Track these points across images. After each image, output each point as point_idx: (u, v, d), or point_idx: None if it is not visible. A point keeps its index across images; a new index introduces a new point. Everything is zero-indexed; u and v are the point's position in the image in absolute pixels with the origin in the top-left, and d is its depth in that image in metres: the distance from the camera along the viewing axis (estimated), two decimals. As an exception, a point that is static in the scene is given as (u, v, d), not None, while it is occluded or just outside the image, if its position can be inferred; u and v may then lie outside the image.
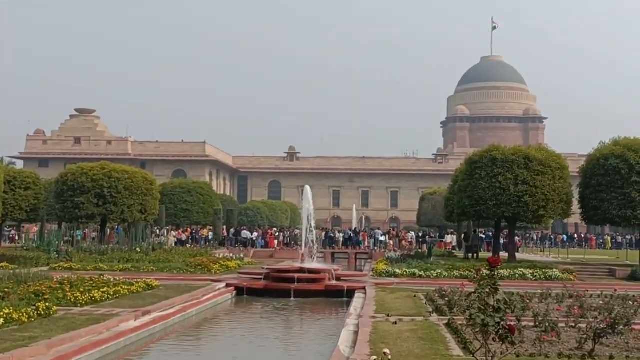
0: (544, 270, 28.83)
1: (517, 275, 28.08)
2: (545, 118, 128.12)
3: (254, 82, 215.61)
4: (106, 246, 36.92)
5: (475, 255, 38.96)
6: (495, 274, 6.46)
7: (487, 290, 6.31)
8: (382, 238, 54.28)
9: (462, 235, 43.94)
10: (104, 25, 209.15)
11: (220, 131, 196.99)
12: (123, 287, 19.39)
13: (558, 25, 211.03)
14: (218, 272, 29.12)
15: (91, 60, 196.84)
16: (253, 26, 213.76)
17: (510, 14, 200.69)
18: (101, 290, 18.07)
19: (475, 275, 6.39)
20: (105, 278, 20.89)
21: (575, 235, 72.43)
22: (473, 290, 6.48)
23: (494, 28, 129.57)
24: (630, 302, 16.87)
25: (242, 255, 39.23)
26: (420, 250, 43.90)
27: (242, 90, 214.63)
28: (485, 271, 6.42)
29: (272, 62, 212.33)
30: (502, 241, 44.63)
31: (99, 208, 38.77)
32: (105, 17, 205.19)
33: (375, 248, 51.06)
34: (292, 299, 23.08)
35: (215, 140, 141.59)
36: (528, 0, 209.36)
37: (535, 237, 69.37)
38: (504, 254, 37.92)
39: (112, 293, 18.23)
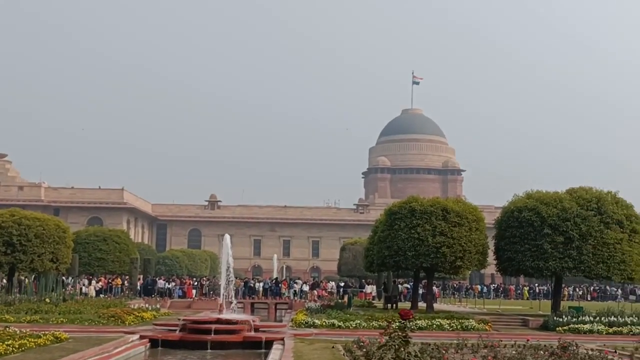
0: (460, 321, 29.16)
1: (434, 325, 28.29)
2: (464, 170, 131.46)
3: (174, 128, 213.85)
4: (13, 297, 35.29)
5: (394, 305, 39.12)
6: (407, 325, 6.43)
7: (399, 342, 6.26)
8: (305, 288, 54.02)
9: (382, 286, 44.14)
10: (11, 64, 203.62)
11: (140, 178, 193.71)
12: (29, 339, 18.48)
13: (476, 80, 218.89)
14: (132, 323, 28.20)
15: (1, 101, 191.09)
16: (171, 72, 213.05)
17: (430, 69, 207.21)
18: (6, 343, 17.16)
19: (387, 327, 6.33)
20: (10, 330, 19.88)
21: (493, 286, 73.92)
22: (383, 343, 6.43)
23: (415, 82, 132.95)
24: (541, 352, 17.16)
25: (158, 306, 38.17)
26: (340, 301, 43.81)
27: (162, 136, 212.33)
28: (397, 323, 6.38)
29: (192, 108, 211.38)
30: (421, 291, 45.03)
31: (7, 256, 37.24)
32: (15, 54, 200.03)
33: (295, 298, 50.69)
34: (209, 350, 22.50)
35: (133, 187, 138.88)
36: (447, 56, 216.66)
37: (453, 288, 70.37)
38: (423, 305, 38.21)
39: (17, 346, 17.34)
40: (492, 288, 72.04)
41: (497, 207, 78.70)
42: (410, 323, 25.96)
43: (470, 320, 29.64)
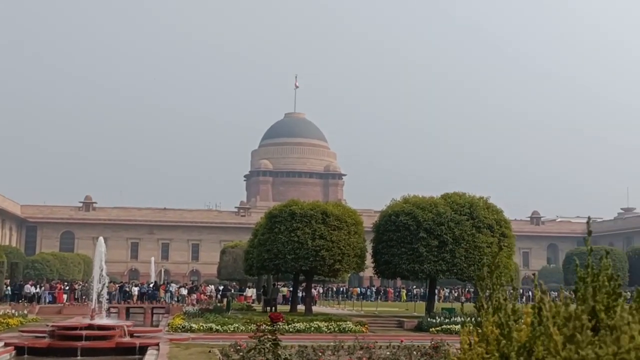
0: (338, 323, 29.48)
1: (312, 328, 28.45)
2: (344, 175, 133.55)
3: (46, 124, 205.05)
4: None
5: (273, 308, 39.01)
6: (277, 328, 6.33)
7: (268, 345, 6.15)
8: (183, 291, 53.00)
9: (262, 289, 43.99)
10: None
11: (7, 178, 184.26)
12: None
13: (359, 87, 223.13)
14: (-4, 330, 26.66)
15: None
16: (42, 65, 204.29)
17: (314, 73, 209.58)
18: None
19: (256, 331, 6.21)
20: None
21: (374, 288, 75.33)
22: (253, 346, 6.31)
23: (296, 87, 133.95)
24: (414, 352, 17.55)
25: (25, 312, 36.31)
26: (219, 304, 43.27)
27: (33, 133, 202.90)
28: (266, 326, 6.27)
29: (65, 102, 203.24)
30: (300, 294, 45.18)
31: None
32: None
33: (173, 302, 49.64)
34: (79, 357, 21.61)
35: (0, 187, 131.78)
36: (331, 61, 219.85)
37: (333, 290, 71.16)
38: (303, 307, 38.36)
39: None
40: (374, 290, 73.40)
41: (376, 211, 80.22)
42: (289, 326, 25.82)
43: (348, 322, 30.03)
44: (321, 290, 68.15)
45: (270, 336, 6.25)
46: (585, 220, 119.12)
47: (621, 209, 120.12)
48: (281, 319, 6.21)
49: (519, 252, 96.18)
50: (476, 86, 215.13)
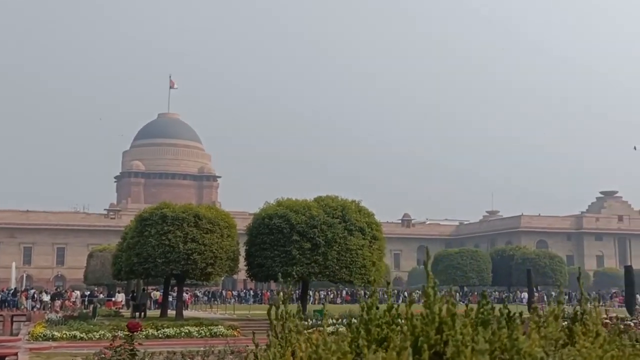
0: (209, 327, 29.03)
1: (183, 333, 27.85)
2: (219, 177, 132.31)
3: None
4: None
5: (142, 314, 37.92)
6: (134, 337, 6.01)
7: (125, 356, 5.82)
8: (45, 298, 50.55)
9: (131, 294, 42.69)
10: None
11: None
12: None
13: (235, 87, 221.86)
14: None
15: None
16: None
17: (189, 73, 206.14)
18: None
19: (112, 341, 5.86)
20: None
21: (252, 291, 75.06)
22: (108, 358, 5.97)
23: (171, 87, 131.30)
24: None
25: None
26: (85, 311, 41.55)
27: None
28: (123, 335, 5.94)
29: None
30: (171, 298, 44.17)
31: None
32: None
33: (35, 309, 47.24)
34: None
35: None
36: (207, 63, 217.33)
37: (205, 294, 70.30)
38: (174, 312, 37.49)
39: None
40: (251, 293, 73.23)
41: (251, 214, 79.88)
42: (158, 331, 25.05)
43: (219, 326, 29.63)
44: (200, 294, 67.32)
45: (127, 346, 5.91)
46: (453, 223, 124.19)
47: (486, 212, 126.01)
48: (139, 328, 5.90)
49: (390, 254, 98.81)
50: (356, 86, 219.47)
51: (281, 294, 2.65)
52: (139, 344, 6.66)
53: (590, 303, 2.40)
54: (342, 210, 34.31)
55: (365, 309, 2.27)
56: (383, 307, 2.33)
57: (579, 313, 2.19)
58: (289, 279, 34.06)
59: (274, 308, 2.70)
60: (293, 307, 2.82)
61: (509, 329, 1.95)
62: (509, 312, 2.16)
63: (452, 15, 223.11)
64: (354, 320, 2.68)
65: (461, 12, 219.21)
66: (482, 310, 2.07)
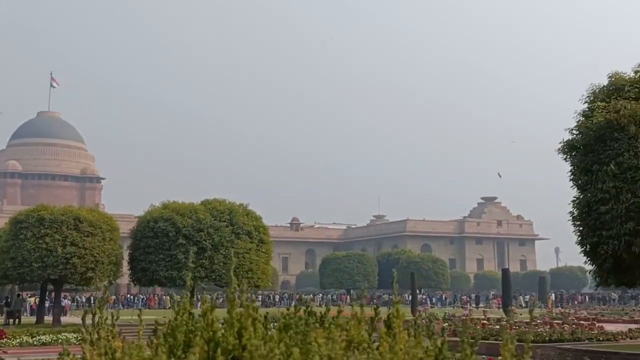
0: (89, 335, 27.83)
1: (60, 340, 26.57)
2: (103, 178, 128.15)
3: None
4: None
5: (17, 321, 36.03)
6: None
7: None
8: None
9: (4, 300, 40.51)
10: None
11: None
12: None
13: (121, 88, 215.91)
14: None
15: None
16: None
17: (72, 71, 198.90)
18: None
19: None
20: None
21: (142, 296, 73.28)
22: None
23: (52, 86, 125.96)
24: None
25: None
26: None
27: None
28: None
29: None
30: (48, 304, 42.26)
31: None
32: None
33: None
34: None
35: None
36: (89, 61, 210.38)
37: (86, 299, 68.04)
38: (51, 318, 35.85)
39: None
40: (141, 298, 71.66)
41: (136, 217, 77.89)
42: (33, 339, 23.77)
43: (100, 332, 28.45)
44: (83, 299, 65.33)
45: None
46: (341, 227, 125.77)
47: (373, 216, 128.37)
48: (3, 336, 5.38)
49: (278, 257, 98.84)
50: (245, 86, 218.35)
51: (97, 300, 2.50)
52: (4, 352, 6.07)
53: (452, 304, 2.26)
54: (230, 213, 33.89)
55: (174, 314, 2.24)
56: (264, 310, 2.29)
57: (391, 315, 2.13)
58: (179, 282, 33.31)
59: (89, 314, 2.61)
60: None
61: (305, 333, 1.96)
62: (322, 315, 2.20)
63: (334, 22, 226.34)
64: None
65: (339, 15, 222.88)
66: (286, 315, 2.09)
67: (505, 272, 50.28)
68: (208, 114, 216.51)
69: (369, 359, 1.88)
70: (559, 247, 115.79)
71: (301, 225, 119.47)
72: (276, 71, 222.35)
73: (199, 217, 32.91)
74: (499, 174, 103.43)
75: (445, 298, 78.91)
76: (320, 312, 2.21)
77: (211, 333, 1.96)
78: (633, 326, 28.06)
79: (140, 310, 2.93)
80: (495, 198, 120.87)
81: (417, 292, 58.34)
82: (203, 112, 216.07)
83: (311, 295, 74.66)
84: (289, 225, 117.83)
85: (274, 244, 41.59)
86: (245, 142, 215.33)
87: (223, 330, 1.94)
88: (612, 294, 75.53)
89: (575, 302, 74.64)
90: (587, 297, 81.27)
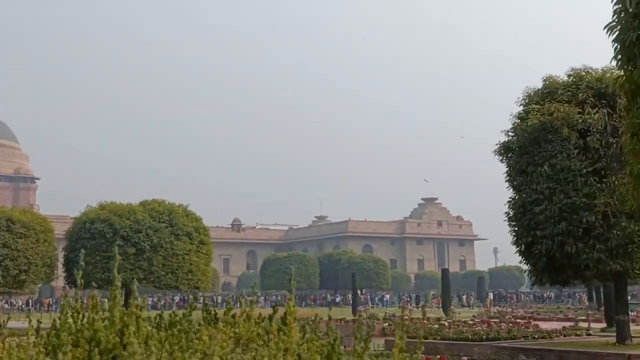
0: (22, 337, 27.06)
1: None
2: (38, 178, 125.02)
3: None
4: None
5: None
6: None
7: None
8: None
9: None
10: None
11: None
12: None
13: (56, 86, 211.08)
14: None
15: None
16: None
17: (5, 68, 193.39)
18: None
19: None
20: None
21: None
22: None
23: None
24: None
25: None
26: None
27: None
28: None
29: None
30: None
31: None
32: None
33: None
34: None
35: None
36: (26, 62, 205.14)
37: (24, 302, 66.46)
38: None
39: None
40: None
41: (72, 218, 76.26)
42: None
43: (32, 337, 27.70)
44: (20, 302, 63.69)
45: None
46: (283, 228, 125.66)
47: (315, 217, 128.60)
48: None
49: (219, 259, 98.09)
50: (186, 86, 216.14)
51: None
52: None
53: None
54: (169, 214, 33.41)
55: (60, 317, 2.24)
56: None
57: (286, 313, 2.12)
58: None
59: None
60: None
61: (187, 331, 1.96)
62: (211, 314, 2.24)
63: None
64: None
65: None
66: (171, 313, 2.08)
67: (445, 272, 50.98)
68: (146, 113, 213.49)
69: (257, 356, 1.84)
70: (498, 247, 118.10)
71: (243, 226, 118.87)
72: (213, 71, 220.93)
73: (137, 218, 32.35)
74: (425, 179, 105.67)
75: (389, 298, 79.65)
76: (215, 311, 2.18)
77: (92, 332, 1.91)
78: (567, 324, 28.70)
79: (29, 312, 2.84)
80: (435, 199, 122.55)
81: (359, 292, 58.65)
82: (141, 111, 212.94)
83: (254, 297, 74.28)
84: (230, 226, 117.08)
85: (215, 245, 41.19)
86: (186, 142, 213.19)
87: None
88: (550, 292, 77.45)
89: (513, 301, 76.24)
90: (522, 295, 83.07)
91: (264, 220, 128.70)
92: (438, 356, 16.58)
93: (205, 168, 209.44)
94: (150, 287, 34.81)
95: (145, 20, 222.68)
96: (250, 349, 1.95)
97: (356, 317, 37.62)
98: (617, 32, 7.51)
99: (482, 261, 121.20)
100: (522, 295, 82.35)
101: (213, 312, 2.15)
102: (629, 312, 24.73)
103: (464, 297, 76.40)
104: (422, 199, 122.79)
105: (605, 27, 7.72)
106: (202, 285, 34.62)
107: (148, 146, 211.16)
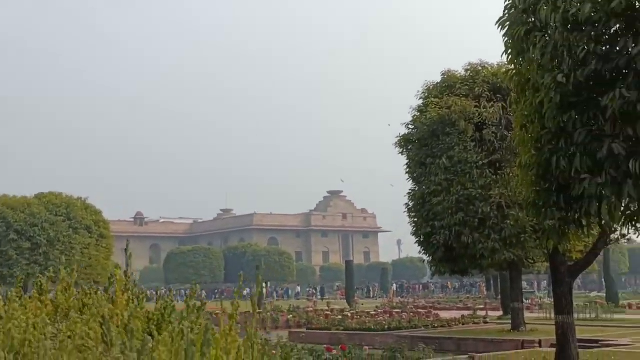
0: None
1: None
2: None
3: None
4: None
5: None
6: None
7: None
8: None
9: None
10: None
11: None
12: None
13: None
14: None
15: None
16: None
17: None
18: None
19: None
20: None
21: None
22: None
23: None
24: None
25: None
26: None
27: None
28: None
29: None
30: None
31: None
32: None
33: None
34: None
35: None
36: None
37: None
38: None
39: None
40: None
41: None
42: None
43: None
44: None
45: None
46: (187, 221, 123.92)
47: (221, 210, 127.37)
48: None
49: (121, 253, 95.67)
50: (74, 78, 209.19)
51: None
52: None
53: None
54: (67, 207, 32.40)
55: None
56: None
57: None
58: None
59: None
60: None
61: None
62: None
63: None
64: None
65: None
66: None
67: (348, 264, 51.62)
68: (40, 103, 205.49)
69: (72, 323, 1.81)
70: (401, 239, 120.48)
71: (146, 219, 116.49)
72: (108, 63, 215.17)
73: (32, 212, 31.20)
74: (341, 179, 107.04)
75: (299, 291, 79.96)
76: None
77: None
78: (466, 313, 29.62)
79: None
80: (340, 192, 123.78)
81: (264, 285, 58.60)
82: (35, 101, 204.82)
83: (160, 291, 72.93)
84: (132, 220, 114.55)
85: (116, 239, 40.17)
86: (86, 134, 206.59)
87: None
88: (455, 283, 79.65)
89: (417, 292, 77.95)
90: (432, 285, 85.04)
91: (168, 214, 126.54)
92: (339, 346, 16.73)
93: (108, 161, 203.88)
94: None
95: None
96: (69, 317, 1.91)
97: (260, 310, 37.63)
98: (507, 27, 7.74)
99: (386, 253, 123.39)
100: (432, 285, 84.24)
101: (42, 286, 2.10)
102: (524, 300, 25.85)
103: (373, 288, 77.61)
104: (328, 192, 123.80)
105: (496, 23, 7.95)
106: (101, 279, 33.73)
107: (44, 138, 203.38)
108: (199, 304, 2.48)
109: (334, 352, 15.57)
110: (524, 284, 61.67)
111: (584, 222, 7.27)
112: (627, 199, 6.57)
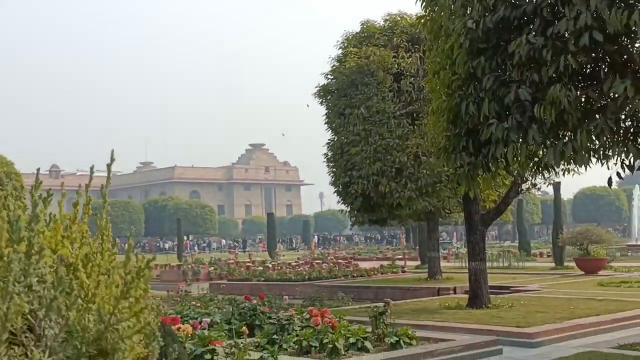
0: None
1: None
2: None
3: None
4: None
5: None
6: None
7: None
8: None
9: None
10: None
11: None
12: None
13: None
14: None
15: None
16: None
17: None
18: None
19: None
20: None
21: None
22: None
23: None
24: None
25: None
26: None
27: None
28: None
29: None
30: None
31: None
32: None
33: None
34: None
35: None
36: None
37: None
38: None
39: None
40: None
41: None
42: None
43: None
44: None
45: None
46: (104, 174, 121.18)
47: (140, 162, 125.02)
48: None
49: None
50: None
51: None
52: None
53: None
54: (-24, 159, 31.01)
55: None
56: None
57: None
58: None
59: None
60: None
61: None
62: None
63: None
64: None
65: None
66: None
67: (270, 216, 51.75)
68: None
69: None
70: (323, 192, 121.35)
71: (62, 172, 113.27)
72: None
73: (-62, 163, 29.75)
74: (282, 133, 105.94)
75: (222, 243, 79.81)
76: None
77: None
78: (385, 263, 30.23)
79: None
80: (263, 145, 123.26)
81: (185, 238, 58.20)
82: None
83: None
84: (47, 172, 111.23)
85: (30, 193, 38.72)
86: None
87: None
88: (376, 234, 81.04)
89: (338, 243, 79.04)
90: (356, 237, 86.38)
91: (86, 167, 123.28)
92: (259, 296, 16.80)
93: (20, 112, 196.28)
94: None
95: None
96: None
97: (181, 263, 37.39)
98: (421, -26, 7.75)
99: (309, 206, 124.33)
100: (356, 237, 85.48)
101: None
102: (441, 250, 26.57)
103: (295, 240, 78.19)
104: (250, 145, 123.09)
105: (412, -30, 7.94)
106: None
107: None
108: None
109: (254, 301, 15.65)
110: (443, 235, 63.74)
111: (492, 167, 7.44)
112: (533, 144, 6.74)
